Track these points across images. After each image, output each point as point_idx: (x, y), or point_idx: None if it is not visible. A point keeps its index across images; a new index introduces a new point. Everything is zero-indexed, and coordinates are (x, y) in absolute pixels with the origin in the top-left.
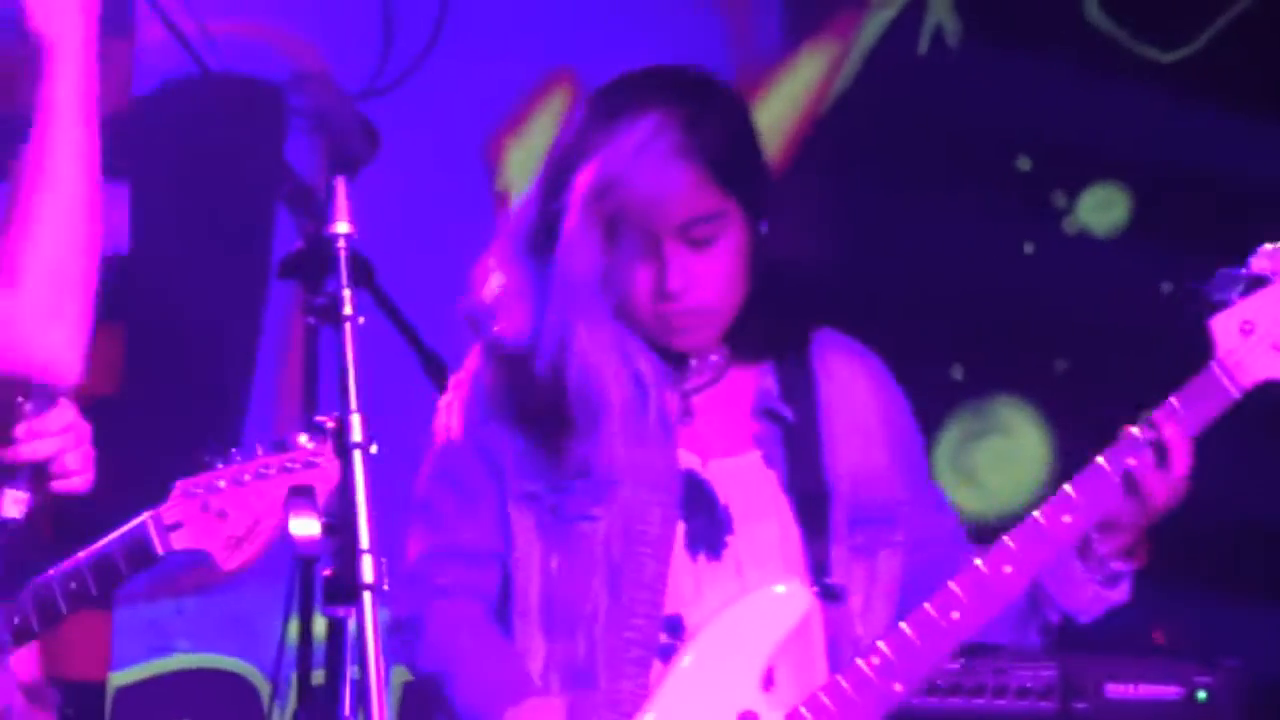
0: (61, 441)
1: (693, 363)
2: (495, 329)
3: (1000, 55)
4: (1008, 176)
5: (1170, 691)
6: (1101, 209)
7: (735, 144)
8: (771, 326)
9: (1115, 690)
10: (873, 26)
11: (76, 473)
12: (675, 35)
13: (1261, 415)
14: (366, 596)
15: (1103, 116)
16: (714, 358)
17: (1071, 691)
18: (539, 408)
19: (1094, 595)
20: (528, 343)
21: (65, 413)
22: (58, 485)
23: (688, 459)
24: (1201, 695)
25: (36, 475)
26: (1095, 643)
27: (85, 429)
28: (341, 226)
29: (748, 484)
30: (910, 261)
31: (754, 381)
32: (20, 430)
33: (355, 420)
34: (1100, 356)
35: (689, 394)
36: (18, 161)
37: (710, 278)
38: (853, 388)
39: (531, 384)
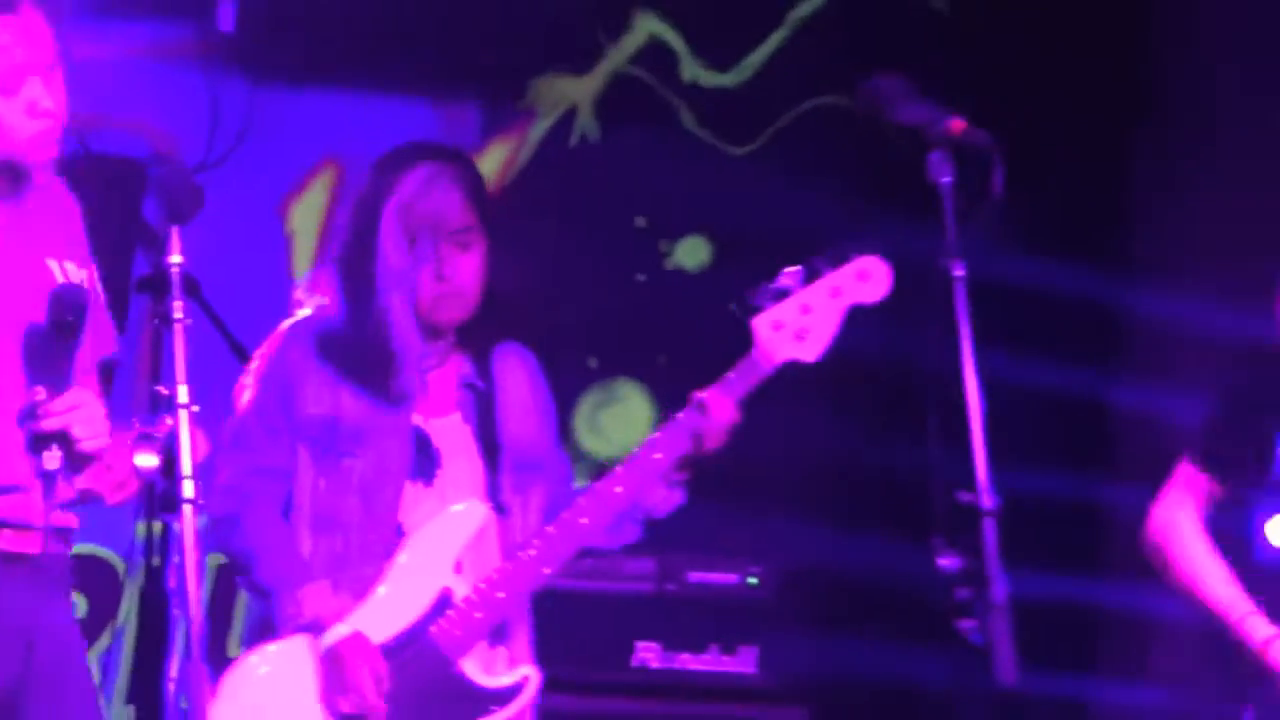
0: (69, 417)
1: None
2: (316, 316)
3: (626, 149)
4: (629, 230)
5: (731, 578)
6: (691, 253)
7: (479, 184)
8: (483, 327)
9: (695, 576)
10: (539, 128)
11: (89, 437)
12: (404, 134)
13: (796, 388)
14: (186, 508)
15: (694, 190)
16: (441, 345)
17: (665, 577)
18: (362, 360)
19: (665, 499)
20: (344, 320)
21: (70, 396)
22: (79, 446)
23: (416, 419)
24: (752, 580)
25: (64, 440)
26: (681, 545)
27: (95, 405)
28: (176, 258)
29: (452, 435)
30: (564, 288)
31: (458, 367)
32: (39, 411)
33: (182, 389)
34: (689, 351)
35: (425, 372)
36: None
37: (468, 270)
38: (518, 377)
39: (350, 344)
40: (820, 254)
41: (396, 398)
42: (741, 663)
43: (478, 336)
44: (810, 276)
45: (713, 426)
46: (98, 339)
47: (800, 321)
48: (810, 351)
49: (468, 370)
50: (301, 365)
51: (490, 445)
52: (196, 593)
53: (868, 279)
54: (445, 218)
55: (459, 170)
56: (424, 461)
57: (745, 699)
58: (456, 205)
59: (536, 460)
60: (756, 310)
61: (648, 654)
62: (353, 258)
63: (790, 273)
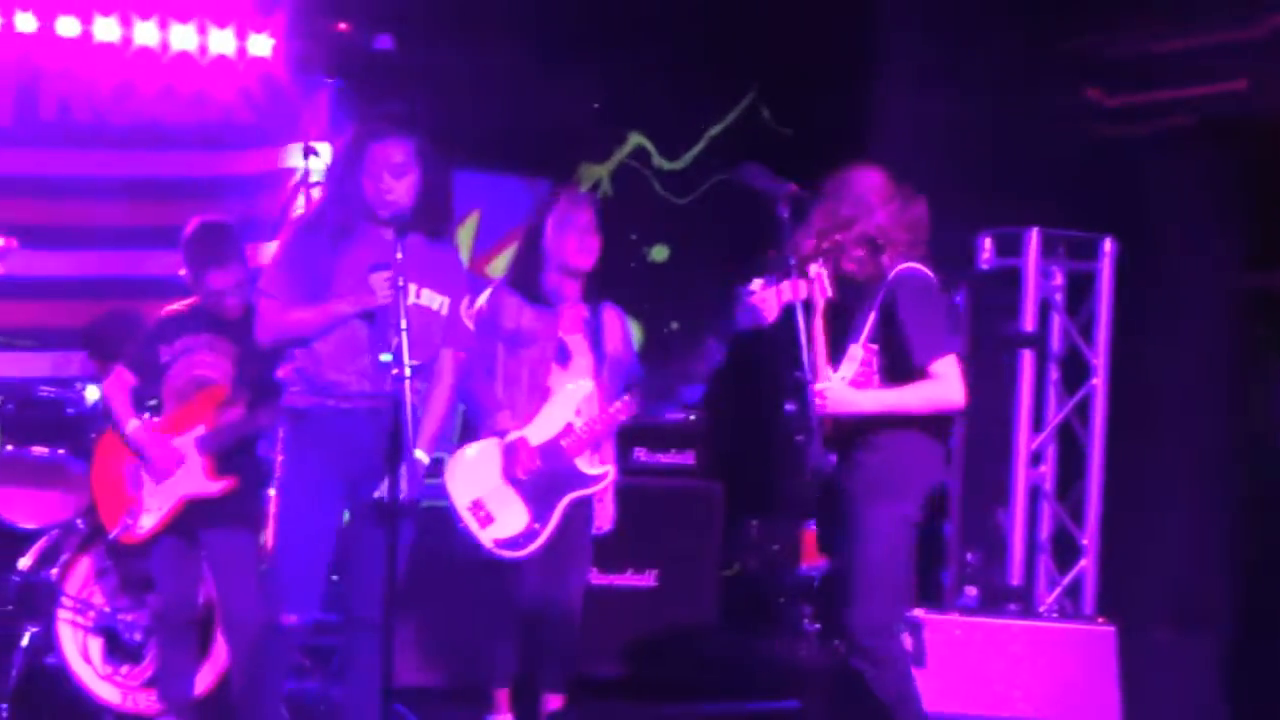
0: None
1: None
2: (505, 278)
3: (626, 202)
4: (626, 242)
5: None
6: (659, 252)
7: None
8: (592, 293)
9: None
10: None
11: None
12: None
13: None
14: (405, 383)
15: (659, 217)
16: (573, 298)
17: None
18: (533, 296)
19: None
20: (515, 276)
21: None
22: None
23: (560, 334)
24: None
25: None
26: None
27: None
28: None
29: (577, 345)
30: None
31: (582, 312)
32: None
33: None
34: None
35: (565, 305)
36: None
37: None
38: (613, 319)
39: (524, 291)
40: (773, 270)
41: (548, 318)
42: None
43: (590, 298)
44: (768, 283)
45: (711, 359)
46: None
47: (762, 304)
48: (766, 319)
49: (586, 314)
50: (501, 300)
51: (598, 354)
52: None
53: (796, 286)
54: (575, 218)
55: None
56: (563, 356)
57: None
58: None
59: (620, 365)
60: (744, 294)
61: None
62: (527, 253)
63: (760, 280)
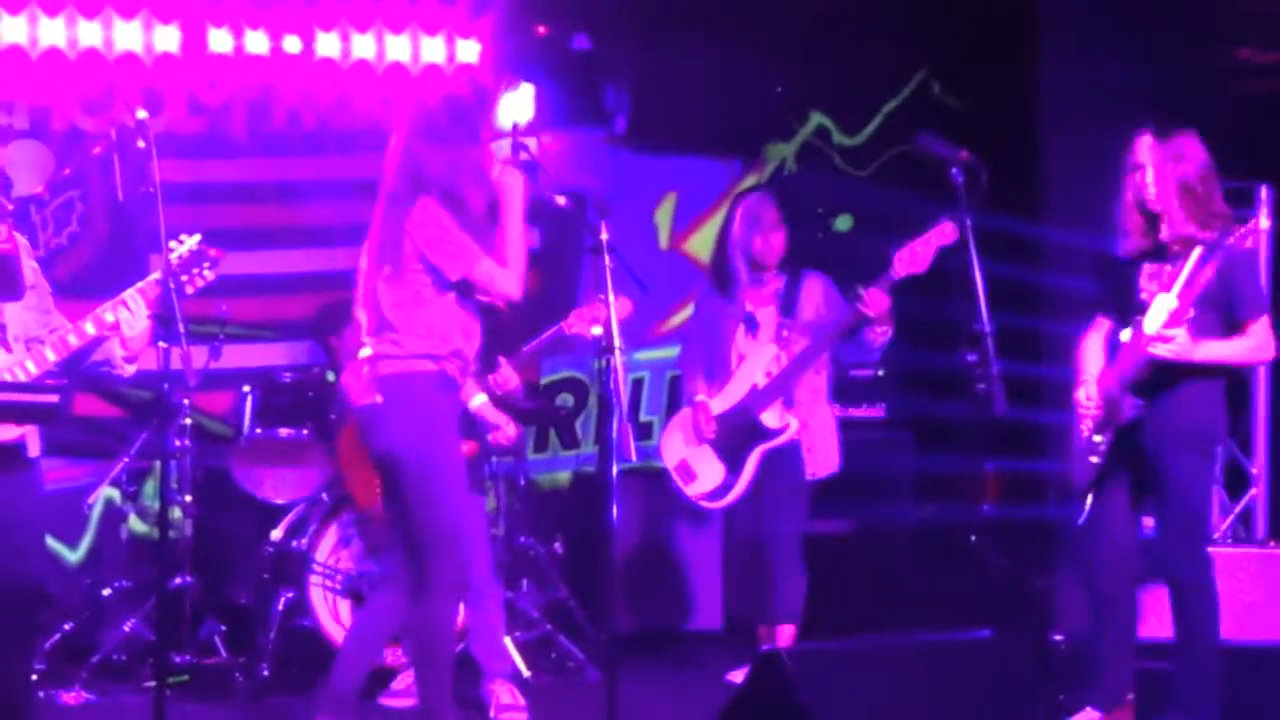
0: None
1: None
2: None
3: (810, 176)
4: (815, 216)
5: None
6: (844, 222)
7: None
8: (790, 264)
9: None
10: (769, 169)
11: None
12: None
13: None
14: (616, 354)
15: (842, 192)
16: (767, 276)
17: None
18: (723, 286)
19: (878, 336)
20: (714, 267)
21: None
22: None
23: (749, 307)
24: None
25: None
26: None
27: None
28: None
29: (766, 315)
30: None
31: (775, 284)
32: None
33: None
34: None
35: (753, 286)
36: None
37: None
38: (813, 286)
39: (720, 277)
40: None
41: (736, 299)
42: None
43: (789, 269)
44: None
45: (875, 306)
46: None
47: (912, 257)
48: (918, 268)
49: (780, 287)
50: (705, 289)
51: (785, 319)
52: (621, 393)
53: (943, 235)
54: (761, 216)
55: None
56: (751, 326)
57: None
58: (770, 208)
59: (822, 324)
60: (894, 250)
61: None
62: (720, 245)
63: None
